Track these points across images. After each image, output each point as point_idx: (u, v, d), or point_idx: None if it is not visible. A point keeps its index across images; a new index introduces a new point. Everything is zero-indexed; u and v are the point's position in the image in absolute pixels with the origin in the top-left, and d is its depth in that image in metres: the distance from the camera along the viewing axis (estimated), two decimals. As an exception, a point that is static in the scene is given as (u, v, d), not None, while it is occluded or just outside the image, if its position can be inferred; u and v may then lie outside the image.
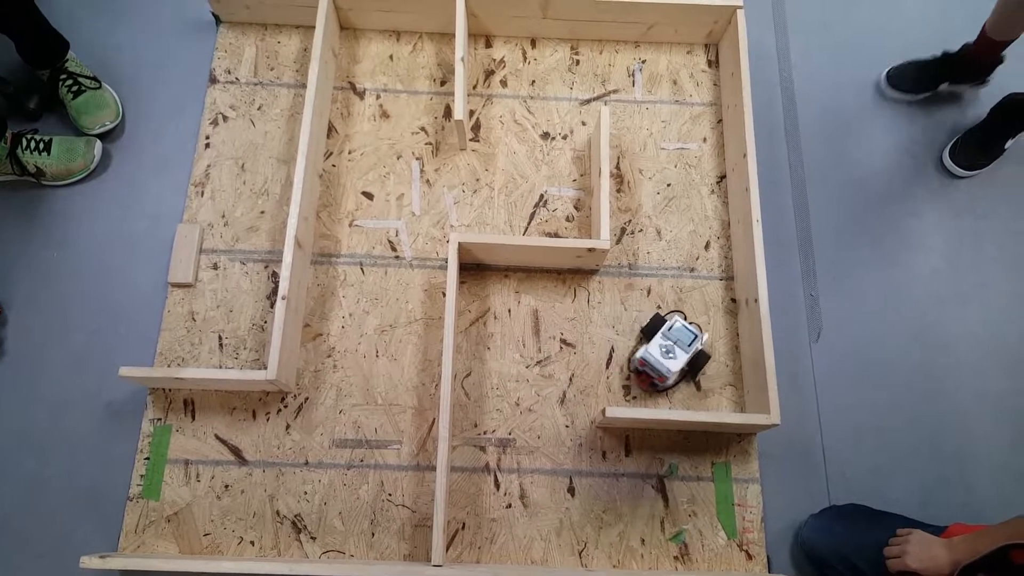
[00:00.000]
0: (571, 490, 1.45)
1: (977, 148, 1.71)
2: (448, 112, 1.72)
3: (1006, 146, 1.71)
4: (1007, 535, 1.10)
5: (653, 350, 1.46)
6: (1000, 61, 1.71)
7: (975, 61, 1.71)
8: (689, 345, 1.46)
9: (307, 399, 1.49)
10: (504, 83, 1.76)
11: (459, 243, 1.47)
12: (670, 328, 1.48)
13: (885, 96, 1.79)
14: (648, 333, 1.53)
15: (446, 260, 1.58)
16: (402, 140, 1.69)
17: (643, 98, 1.76)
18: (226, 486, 1.43)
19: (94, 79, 1.67)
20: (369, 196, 1.64)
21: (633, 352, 1.54)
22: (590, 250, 1.49)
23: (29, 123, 1.68)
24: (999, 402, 1.57)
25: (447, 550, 1.39)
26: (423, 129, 1.70)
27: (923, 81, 1.77)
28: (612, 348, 1.54)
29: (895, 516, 1.39)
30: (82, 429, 1.47)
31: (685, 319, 1.54)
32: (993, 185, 1.74)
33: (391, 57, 1.77)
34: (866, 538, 1.33)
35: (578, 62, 1.78)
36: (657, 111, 1.74)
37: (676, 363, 1.44)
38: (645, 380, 1.50)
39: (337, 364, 1.51)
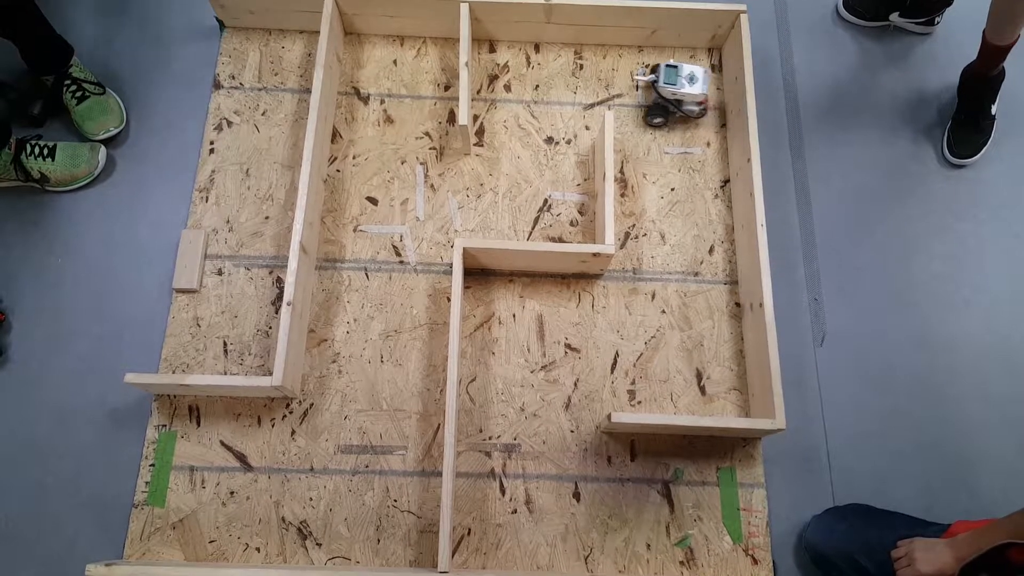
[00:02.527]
0: (576, 495, 1.45)
1: (970, 129, 1.73)
2: (452, 117, 1.72)
3: (993, 112, 1.73)
4: (1008, 532, 1.10)
5: (684, 67, 1.63)
6: (950, 2, 1.80)
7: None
8: (697, 82, 1.63)
9: (312, 405, 1.48)
10: (508, 88, 1.76)
11: (464, 248, 1.47)
12: (670, 72, 1.64)
13: (841, 20, 1.89)
14: (653, 111, 1.70)
15: (450, 265, 1.58)
16: (406, 145, 1.69)
17: (647, 102, 1.76)
18: (231, 492, 1.42)
19: (98, 85, 1.67)
20: (373, 201, 1.65)
21: (650, 113, 1.71)
22: (594, 255, 1.49)
23: (33, 129, 1.68)
24: (1003, 405, 1.57)
25: (453, 556, 1.39)
26: (427, 134, 1.71)
27: (876, 7, 1.85)
28: (617, 353, 1.54)
29: (896, 515, 1.40)
30: (86, 436, 1.47)
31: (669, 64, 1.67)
32: (995, 189, 1.74)
33: (395, 62, 1.77)
34: (869, 536, 1.33)
35: (582, 67, 1.79)
36: (661, 116, 1.75)
37: (696, 88, 1.63)
38: (659, 112, 1.69)
39: (342, 370, 1.51)
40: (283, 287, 1.47)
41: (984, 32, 1.61)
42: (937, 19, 1.85)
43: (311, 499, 1.43)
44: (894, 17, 1.85)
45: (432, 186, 1.66)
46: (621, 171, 1.70)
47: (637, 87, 1.74)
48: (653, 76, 1.67)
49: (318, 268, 1.59)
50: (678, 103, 1.67)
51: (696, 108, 1.68)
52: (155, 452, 1.44)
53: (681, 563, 1.41)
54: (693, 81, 1.63)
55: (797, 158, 1.76)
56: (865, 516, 1.41)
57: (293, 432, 1.47)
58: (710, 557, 1.42)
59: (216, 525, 1.40)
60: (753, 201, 1.52)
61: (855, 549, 1.33)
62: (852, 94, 1.83)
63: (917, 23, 1.85)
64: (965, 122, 1.74)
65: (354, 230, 1.62)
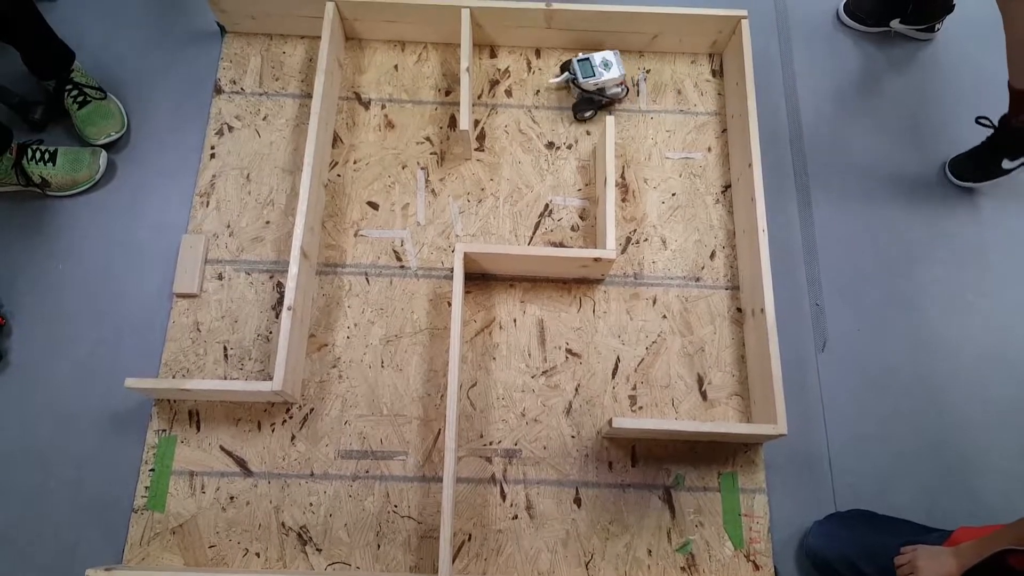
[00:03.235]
0: (577, 501, 1.44)
1: (976, 164, 1.71)
2: (453, 122, 1.72)
3: (1007, 167, 1.68)
4: (1012, 539, 1.09)
5: (595, 57, 1.66)
6: (951, 9, 1.81)
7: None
8: (612, 67, 1.66)
9: (312, 410, 1.48)
10: (509, 93, 1.76)
11: (465, 253, 1.46)
12: (585, 66, 1.67)
13: (842, 25, 1.90)
14: (566, 66, 1.72)
15: (451, 270, 1.58)
16: (407, 150, 1.69)
17: (648, 108, 1.76)
18: (231, 497, 1.42)
19: (99, 89, 1.67)
20: (374, 206, 1.65)
21: (578, 109, 1.72)
22: (596, 260, 1.49)
23: (34, 134, 1.68)
24: (1004, 410, 1.57)
25: (453, 562, 1.38)
26: (428, 139, 1.71)
27: (877, 13, 1.85)
28: (618, 358, 1.54)
29: (899, 521, 1.39)
30: (87, 440, 1.46)
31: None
32: (997, 194, 1.74)
33: (396, 67, 1.77)
34: (871, 543, 1.33)
35: (582, 72, 1.79)
36: (662, 121, 1.75)
37: (614, 73, 1.66)
38: (588, 105, 1.71)
39: (342, 375, 1.51)
40: (283, 292, 1.47)
41: (1008, 81, 1.53)
42: (937, 26, 1.85)
43: (311, 504, 1.42)
44: (895, 24, 1.85)
45: (433, 191, 1.66)
46: (622, 176, 1.70)
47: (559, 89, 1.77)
48: (568, 75, 1.70)
49: (319, 273, 1.58)
50: (601, 91, 1.69)
51: (619, 90, 1.71)
52: (155, 457, 1.44)
53: (682, 569, 1.41)
54: (608, 67, 1.67)
55: (798, 163, 1.76)
56: (867, 522, 1.41)
57: (293, 437, 1.46)
58: (711, 563, 1.41)
59: (216, 530, 1.40)
60: (754, 206, 1.52)
61: (857, 555, 1.32)
62: (853, 99, 1.83)
63: (918, 30, 1.85)
64: (976, 156, 1.70)
65: (355, 235, 1.62)
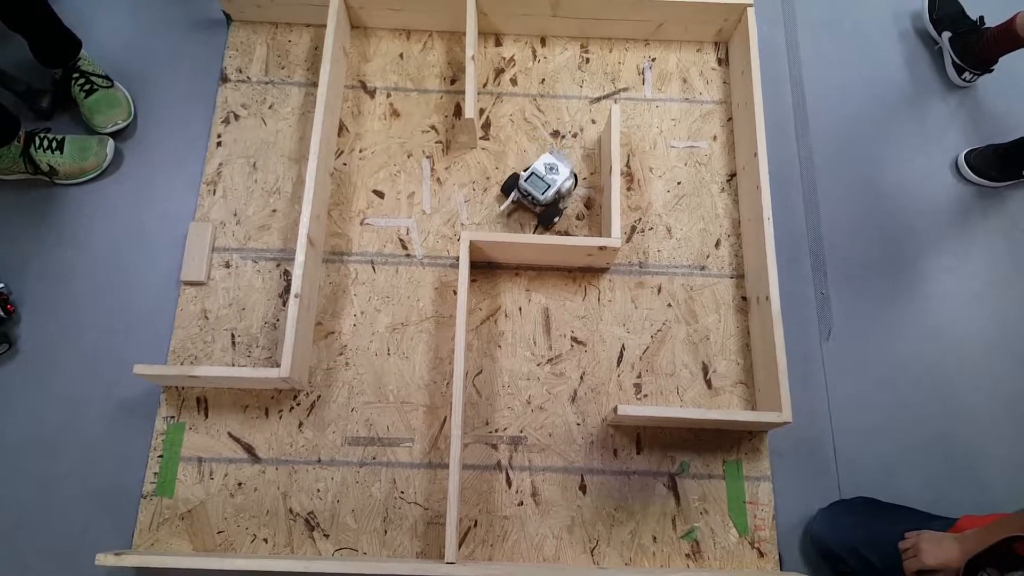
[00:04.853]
0: (583, 488, 1.45)
1: (996, 164, 1.69)
2: (458, 110, 1.72)
3: None
4: (1016, 527, 1.10)
5: (538, 168, 1.53)
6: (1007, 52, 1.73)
7: (984, 48, 1.70)
8: (559, 168, 1.54)
9: (319, 397, 1.49)
10: (514, 81, 1.76)
11: (470, 241, 1.47)
12: (534, 184, 1.54)
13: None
14: (508, 187, 1.60)
15: (457, 258, 1.59)
16: (412, 138, 1.70)
17: (653, 96, 1.76)
18: (239, 484, 1.43)
19: (106, 78, 1.68)
20: (380, 194, 1.65)
21: (546, 221, 1.59)
22: (601, 248, 1.49)
23: (42, 122, 1.68)
24: (1010, 400, 1.57)
25: (459, 547, 1.39)
26: (433, 127, 1.71)
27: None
28: (623, 346, 1.55)
29: (902, 508, 1.40)
30: (96, 427, 1.48)
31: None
32: (1004, 184, 1.74)
33: (401, 56, 1.77)
34: (875, 530, 1.33)
35: (588, 60, 1.78)
36: (667, 109, 1.74)
37: (564, 172, 1.53)
38: (553, 211, 1.58)
39: (349, 362, 1.52)
40: (290, 279, 1.47)
41: None
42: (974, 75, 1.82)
43: (318, 490, 1.43)
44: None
45: (438, 179, 1.67)
46: (627, 165, 1.69)
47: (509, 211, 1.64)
48: (515, 196, 1.58)
49: (325, 261, 1.59)
50: (560, 193, 1.55)
51: (571, 182, 1.57)
52: (164, 443, 1.45)
53: (687, 556, 1.42)
54: (554, 168, 1.54)
55: (803, 151, 1.75)
56: (871, 509, 1.42)
57: (300, 424, 1.47)
58: (716, 550, 1.42)
59: (224, 516, 1.41)
60: (760, 195, 1.52)
61: (860, 542, 1.33)
62: (859, 87, 1.83)
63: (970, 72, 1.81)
64: (1004, 155, 1.67)
65: (361, 223, 1.62)
